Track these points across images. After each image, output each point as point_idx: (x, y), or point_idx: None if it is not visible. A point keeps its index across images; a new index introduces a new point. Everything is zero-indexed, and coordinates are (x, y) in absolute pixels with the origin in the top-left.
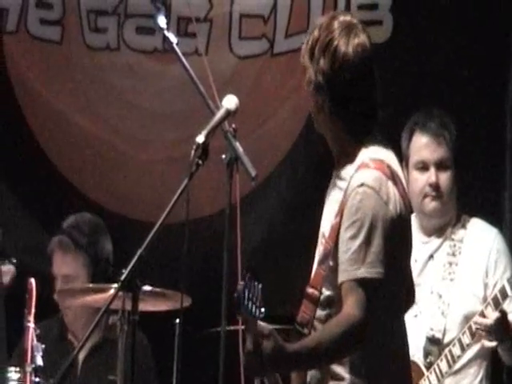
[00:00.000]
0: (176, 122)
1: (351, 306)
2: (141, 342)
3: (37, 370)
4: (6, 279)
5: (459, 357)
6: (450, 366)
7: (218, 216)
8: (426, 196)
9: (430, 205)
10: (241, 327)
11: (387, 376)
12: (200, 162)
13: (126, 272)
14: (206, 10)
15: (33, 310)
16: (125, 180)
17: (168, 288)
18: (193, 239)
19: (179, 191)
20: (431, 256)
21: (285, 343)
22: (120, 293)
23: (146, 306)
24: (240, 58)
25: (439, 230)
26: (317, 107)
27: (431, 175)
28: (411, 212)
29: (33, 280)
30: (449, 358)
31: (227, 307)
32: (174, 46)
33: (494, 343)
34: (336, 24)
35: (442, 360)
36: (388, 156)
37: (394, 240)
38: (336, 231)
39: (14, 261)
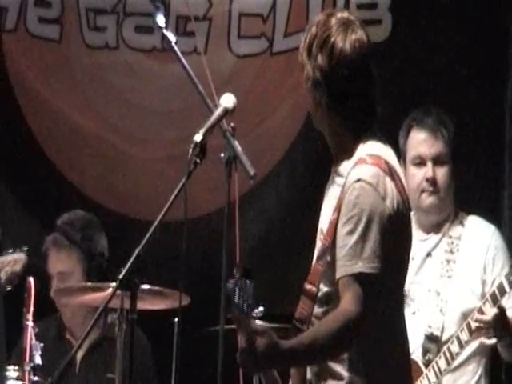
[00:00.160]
0: (175, 120)
1: (348, 302)
2: (140, 341)
3: (35, 369)
4: (18, 267)
5: (458, 354)
6: (448, 364)
7: (217, 215)
8: (423, 191)
9: (427, 200)
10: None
11: (386, 373)
12: (198, 160)
13: (124, 270)
14: (205, 9)
15: (31, 309)
16: (124, 178)
17: (166, 287)
18: (191, 238)
19: (177, 190)
20: (429, 253)
21: (279, 340)
22: (118, 291)
23: (144, 304)
24: (239, 57)
25: (437, 227)
26: (315, 104)
27: (428, 170)
28: (410, 208)
29: (31, 279)
30: (447, 355)
31: (226, 306)
32: (173, 44)
33: (493, 340)
34: (333, 21)
35: (440, 357)
36: (386, 152)
37: (392, 235)
38: (334, 227)
39: (25, 249)
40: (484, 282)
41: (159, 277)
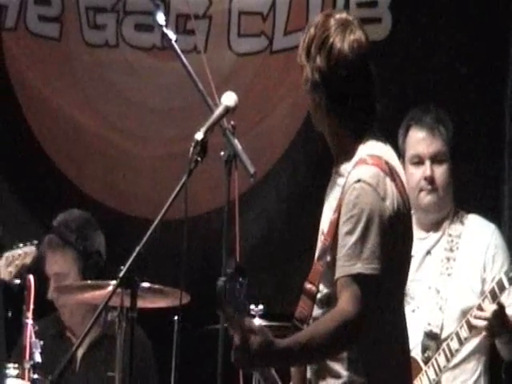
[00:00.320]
0: (175, 118)
1: (346, 302)
2: (140, 339)
3: (35, 367)
4: (28, 260)
5: (457, 351)
6: (448, 360)
7: (217, 213)
8: (421, 190)
9: (426, 199)
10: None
11: (386, 372)
12: (199, 158)
13: (124, 269)
14: (205, 7)
15: (31, 307)
16: (123, 177)
17: (167, 285)
18: (192, 236)
19: (178, 188)
20: (429, 251)
21: (275, 339)
22: (118, 289)
23: (144, 302)
24: (239, 55)
25: (436, 225)
26: (314, 105)
27: (426, 169)
28: (410, 208)
29: (31, 277)
30: (447, 352)
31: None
32: (173, 43)
33: (492, 336)
34: (332, 21)
35: (439, 354)
36: (387, 152)
37: (392, 236)
38: (334, 227)
39: (36, 242)
40: (484, 281)
41: (159, 275)
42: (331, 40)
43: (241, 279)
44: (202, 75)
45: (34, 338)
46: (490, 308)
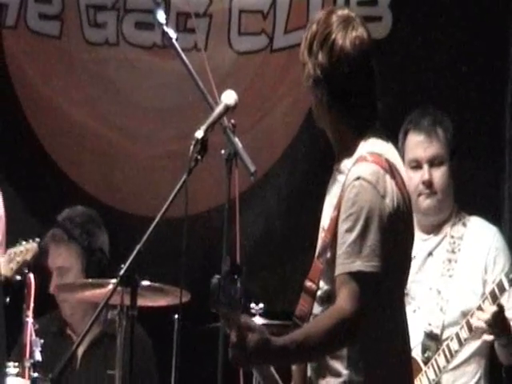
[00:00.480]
0: (175, 117)
1: (344, 299)
2: (140, 337)
3: (35, 365)
4: (29, 256)
5: (457, 351)
6: (447, 361)
7: (217, 211)
8: (420, 194)
9: (425, 203)
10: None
11: (386, 371)
12: (199, 157)
13: (124, 267)
14: (206, 6)
15: (31, 305)
16: (124, 175)
17: (167, 283)
18: (192, 234)
19: (178, 186)
20: (430, 253)
21: (271, 336)
22: (119, 288)
23: (144, 301)
24: (239, 54)
25: (437, 227)
26: (316, 101)
27: (424, 173)
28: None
29: (31, 275)
30: (446, 352)
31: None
32: (173, 41)
33: (491, 337)
34: (334, 18)
35: (439, 355)
36: (388, 149)
37: (392, 234)
38: (334, 224)
39: (37, 239)
40: (485, 282)
41: (159, 273)
42: (333, 36)
43: (236, 277)
44: (203, 74)
45: (34, 337)
46: (490, 309)
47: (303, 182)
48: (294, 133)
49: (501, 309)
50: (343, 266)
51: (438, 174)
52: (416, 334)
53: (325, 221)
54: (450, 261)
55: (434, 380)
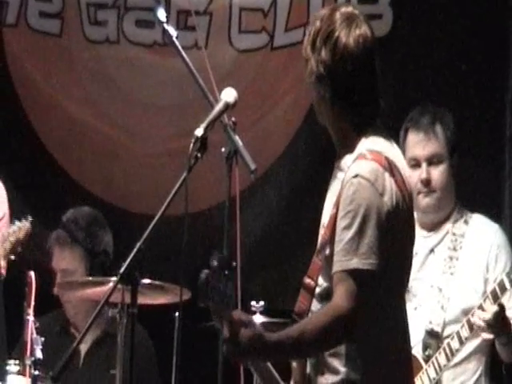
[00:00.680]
0: (175, 115)
1: (340, 297)
2: (141, 335)
3: (36, 363)
4: (21, 234)
5: (457, 350)
6: (448, 360)
7: (217, 209)
8: (419, 193)
9: (424, 201)
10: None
11: (384, 369)
12: (199, 155)
13: (125, 265)
14: (206, 4)
15: (32, 303)
16: (124, 173)
17: (167, 281)
18: (192, 232)
19: (178, 184)
20: (432, 250)
21: (265, 332)
22: (119, 286)
23: (145, 299)
24: (240, 52)
25: (438, 225)
26: (318, 98)
27: (422, 171)
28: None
29: (32, 273)
30: (447, 351)
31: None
32: (174, 39)
33: (491, 335)
34: (337, 15)
35: (440, 353)
36: (389, 147)
37: (391, 231)
38: (333, 221)
39: (30, 219)
40: (486, 281)
41: (160, 271)
42: (337, 34)
43: (226, 272)
44: (203, 72)
45: (35, 335)
46: (490, 309)
47: (304, 179)
48: (294, 131)
49: (502, 308)
50: (340, 263)
51: (437, 173)
52: (417, 331)
53: (325, 217)
54: (451, 258)
55: (434, 378)
